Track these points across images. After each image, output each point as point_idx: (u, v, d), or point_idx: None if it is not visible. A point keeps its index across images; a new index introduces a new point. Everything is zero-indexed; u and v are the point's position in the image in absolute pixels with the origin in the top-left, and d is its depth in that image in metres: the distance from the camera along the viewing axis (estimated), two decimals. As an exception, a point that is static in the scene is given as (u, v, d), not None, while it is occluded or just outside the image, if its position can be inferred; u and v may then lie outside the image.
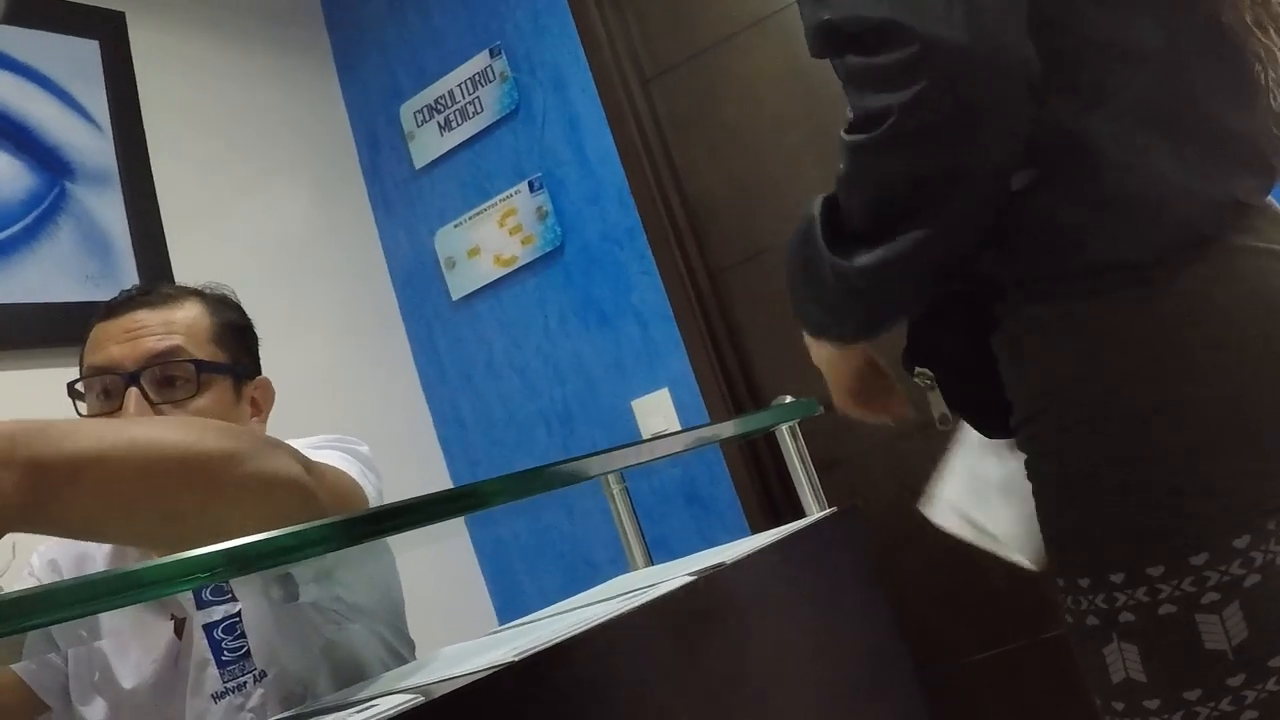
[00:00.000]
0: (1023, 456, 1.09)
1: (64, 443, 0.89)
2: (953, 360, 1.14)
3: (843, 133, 0.99)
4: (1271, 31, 1.06)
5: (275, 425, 1.65)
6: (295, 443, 1.27)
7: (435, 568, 3.11)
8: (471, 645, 1.30)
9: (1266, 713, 0.94)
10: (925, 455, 2.61)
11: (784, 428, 1.86)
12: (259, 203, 3.10)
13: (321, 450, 1.39)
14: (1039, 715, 2.63)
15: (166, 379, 1.51)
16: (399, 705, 0.87)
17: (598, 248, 3.09)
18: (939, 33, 0.89)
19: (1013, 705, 2.69)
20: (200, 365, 1.53)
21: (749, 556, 1.41)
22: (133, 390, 1.48)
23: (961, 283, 1.08)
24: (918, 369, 1.16)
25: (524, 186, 3.17)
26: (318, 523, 0.93)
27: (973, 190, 0.98)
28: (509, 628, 1.45)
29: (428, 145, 3.35)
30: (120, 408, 1.47)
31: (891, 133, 0.94)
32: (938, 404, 1.16)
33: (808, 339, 1.28)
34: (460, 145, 3.30)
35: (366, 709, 0.92)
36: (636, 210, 3.02)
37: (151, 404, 1.48)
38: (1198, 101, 1.01)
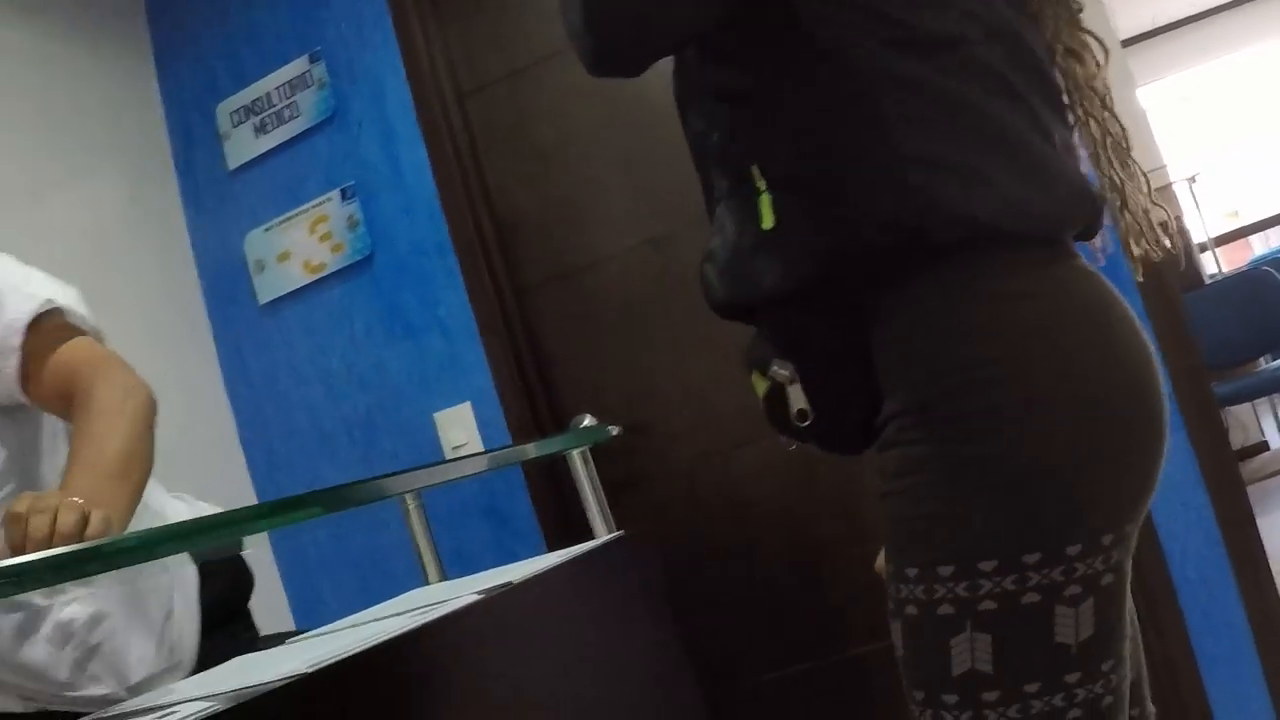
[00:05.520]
0: None
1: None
2: (820, 351, 1.08)
3: None
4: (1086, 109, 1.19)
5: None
6: None
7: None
8: (265, 656, 1.36)
9: (1088, 712, 1.01)
10: (721, 479, 2.72)
11: (575, 453, 1.94)
12: (69, 194, 3.03)
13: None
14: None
15: None
16: (198, 711, 0.93)
17: (407, 259, 3.13)
18: None
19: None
20: None
21: (535, 577, 1.48)
22: None
23: (838, 267, 1.04)
24: (776, 360, 1.10)
25: (336, 194, 3.19)
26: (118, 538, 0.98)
27: None
28: (305, 638, 1.51)
29: (242, 146, 3.33)
30: None
31: None
32: (797, 399, 1.09)
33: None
34: (275, 149, 3.29)
35: (167, 714, 0.98)
36: (446, 224, 3.07)
37: None
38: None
